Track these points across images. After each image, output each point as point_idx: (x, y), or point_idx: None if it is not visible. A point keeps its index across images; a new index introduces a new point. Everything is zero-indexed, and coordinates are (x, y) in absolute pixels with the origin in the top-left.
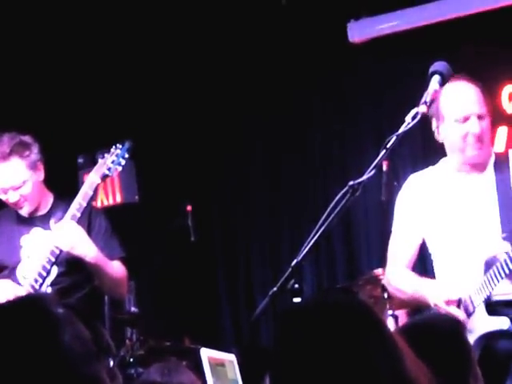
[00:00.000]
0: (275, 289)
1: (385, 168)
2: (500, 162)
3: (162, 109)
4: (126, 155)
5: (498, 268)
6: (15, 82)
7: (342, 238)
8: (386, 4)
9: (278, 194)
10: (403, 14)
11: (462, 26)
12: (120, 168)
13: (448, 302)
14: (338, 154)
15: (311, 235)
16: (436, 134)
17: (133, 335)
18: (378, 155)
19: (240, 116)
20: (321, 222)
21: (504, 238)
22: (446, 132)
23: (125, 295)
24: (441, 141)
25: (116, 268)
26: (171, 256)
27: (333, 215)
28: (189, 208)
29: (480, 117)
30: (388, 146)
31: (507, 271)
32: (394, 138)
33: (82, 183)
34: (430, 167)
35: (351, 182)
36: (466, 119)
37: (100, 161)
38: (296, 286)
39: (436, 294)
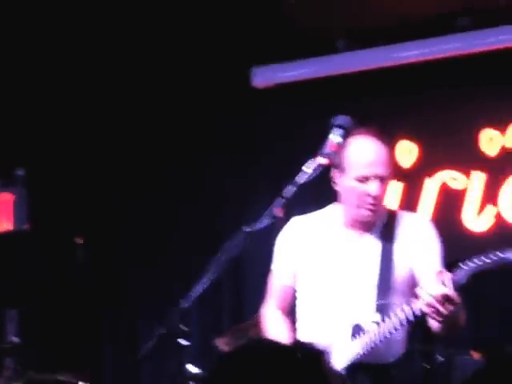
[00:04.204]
0: (162, 329)
1: (280, 215)
2: (390, 223)
3: (60, 140)
4: None
5: (365, 338)
6: None
7: (233, 283)
8: (293, 52)
9: (171, 233)
10: (309, 63)
11: (364, 79)
12: None
13: None
14: (234, 199)
15: (202, 278)
16: (333, 182)
17: (11, 365)
18: (273, 203)
19: (134, 147)
20: (212, 265)
21: (378, 305)
22: (344, 185)
23: None
24: (337, 189)
25: None
26: (58, 287)
27: (225, 260)
28: (79, 240)
29: (381, 178)
30: (284, 194)
31: (373, 344)
32: (291, 188)
33: None
34: (317, 212)
35: (245, 228)
36: (366, 179)
37: None
38: (183, 328)
39: None
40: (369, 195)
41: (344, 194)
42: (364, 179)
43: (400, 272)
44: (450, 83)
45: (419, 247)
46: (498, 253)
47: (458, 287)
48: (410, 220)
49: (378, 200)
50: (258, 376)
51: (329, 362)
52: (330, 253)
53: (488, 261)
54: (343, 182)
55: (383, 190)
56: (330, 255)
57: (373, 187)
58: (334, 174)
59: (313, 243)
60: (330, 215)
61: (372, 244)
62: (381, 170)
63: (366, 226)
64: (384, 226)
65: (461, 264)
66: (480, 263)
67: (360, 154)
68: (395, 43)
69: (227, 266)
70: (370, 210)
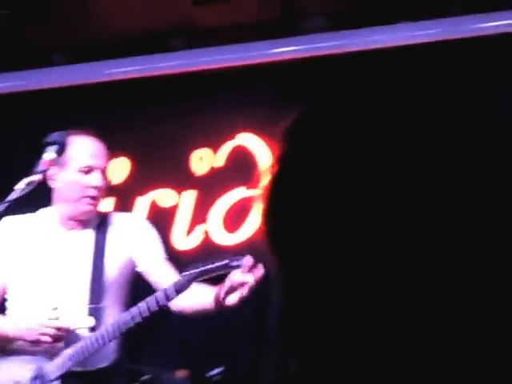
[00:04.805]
0: None
1: None
2: (103, 223)
3: None
4: None
5: (78, 345)
6: None
7: None
8: (5, 64)
9: None
10: (22, 76)
11: (80, 94)
12: None
13: None
14: None
15: None
16: (50, 180)
17: None
18: None
19: None
20: None
21: (90, 309)
22: (65, 180)
23: None
24: (53, 187)
25: None
26: None
27: None
28: None
29: (103, 172)
30: None
31: (91, 350)
32: (1, 206)
33: None
34: (29, 214)
35: None
36: (89, 170)
37: None
38: None
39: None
40: (91, 186)
41: (63, 190)
42: (87, 170)
43: (114, 273)
44: (164, 101)
45: (138, 244)
46: (218, 261)
47: (180, 292)
48: (125, 219)
49: (99, 192)
50: None
51: None
52: (41, 253)
53: (208, 267)
54: (63, 177)
55: (104, 184)
56: (41, 255)
57: (96, 178)
58: (53, 171)
59: (23, 244)
60: (43, 216)
61: (85, 244)
62: (103, 162)
63: (80, 225)
64: (98, 226)
65: (182, 273)
66: (199, 270)
67: (83, 147)
68: (111, 59)
69: None
70: (91, 204)
